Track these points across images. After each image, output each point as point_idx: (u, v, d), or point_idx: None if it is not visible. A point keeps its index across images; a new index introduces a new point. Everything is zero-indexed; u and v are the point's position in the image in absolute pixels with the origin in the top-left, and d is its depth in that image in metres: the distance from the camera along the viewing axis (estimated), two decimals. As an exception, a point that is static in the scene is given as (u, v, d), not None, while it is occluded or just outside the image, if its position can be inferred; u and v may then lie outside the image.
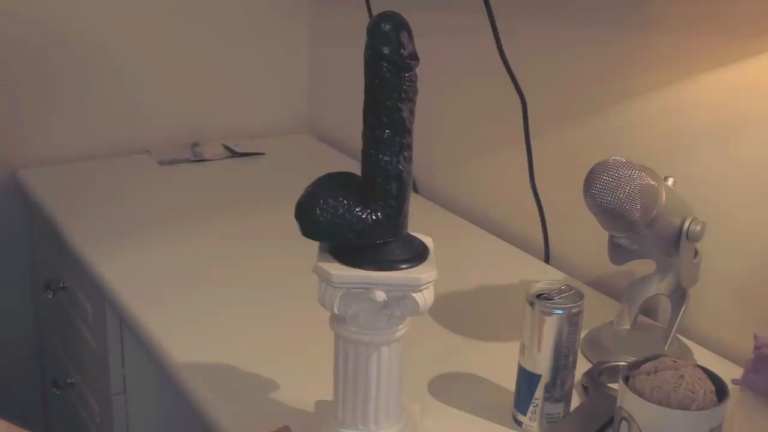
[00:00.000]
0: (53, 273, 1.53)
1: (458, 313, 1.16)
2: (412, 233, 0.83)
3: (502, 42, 1.34)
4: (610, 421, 0.83)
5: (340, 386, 0.84)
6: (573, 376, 0.91)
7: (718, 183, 1.10)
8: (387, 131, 0.76)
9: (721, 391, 0.76)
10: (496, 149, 1.47)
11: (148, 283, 1.22)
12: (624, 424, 0.77)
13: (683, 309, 1.06)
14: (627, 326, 1.07)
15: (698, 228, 0.99)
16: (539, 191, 1.36)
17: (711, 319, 1.12)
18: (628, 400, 0.77)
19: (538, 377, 0.89)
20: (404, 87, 0.76)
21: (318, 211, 0.78)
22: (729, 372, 0.89)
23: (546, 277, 1.19)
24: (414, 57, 0.76)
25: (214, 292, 1.20)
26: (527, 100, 1.35)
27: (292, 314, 1.13)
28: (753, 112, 1.05)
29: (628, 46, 1.20)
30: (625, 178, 0.93)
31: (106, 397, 1.36)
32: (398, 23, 0.75)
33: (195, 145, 1.80)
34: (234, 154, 1.79)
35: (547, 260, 1.37)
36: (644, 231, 0.96)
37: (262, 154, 1.80)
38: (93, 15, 1.67)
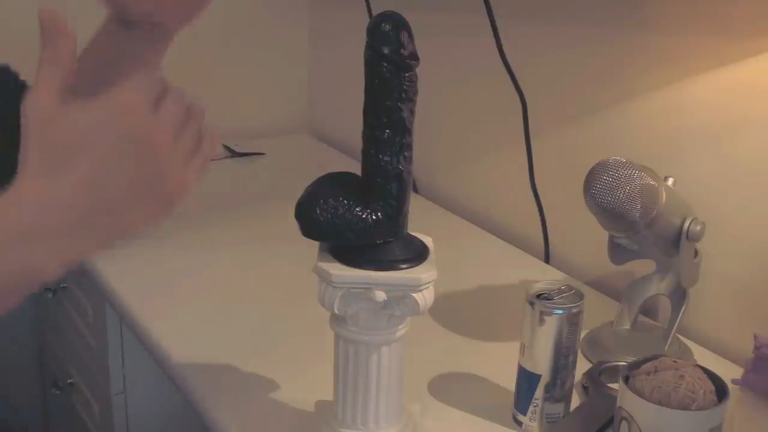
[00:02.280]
0: (53, 273, 1.53)
1: (458, 313, 1.16)
2: (412, 233, 0.83)
3: (502, 42, 1.34)
4: (610, 421, 0.83)
5: (340, 386, 0.84)
6: (573, 376, 0.91)
7: (717, 183, 1.10)
8: (387, 131, 0.76)
9: (721, 391, 0.76)
10: (496, 149, 1.47)
11: (148, 283, 1.22)
12: (624, 424, 0.77)
13: (683, 309, 1.05)
14: (627, 326, 1.07)
15: (698, 228, 0.99)
16: (539, 191, 1.36)
17: (711, 319, 1.12)
18: (628, 400, 0.77)
19: (538, 377, 0.89)
20: (404, 87, 0.75)
21: (318, 211, 0.78)
22: (729, 372, 0.89)
23: (546, 277, 1.19)
24: (414, 57, 0.76)
25: (214, 292, 1.20)
26: (527, 100, 1.35)
27: (292, 314, 1.13)
28: (752, 112, 1.05)
29: (628, 46, 1.20)
30: (625, 178, 0.93)
31: (106, 397, 1.36)
32: (398, 23, 0.75)
33: (195, 145, 1.80)
34: (234, 154, 1.78)
35: (547, 260, 1.37)
36: (644, 231, 0.96)
37: (262, 154, 1.80)
38: (92, 15, 1.67)
